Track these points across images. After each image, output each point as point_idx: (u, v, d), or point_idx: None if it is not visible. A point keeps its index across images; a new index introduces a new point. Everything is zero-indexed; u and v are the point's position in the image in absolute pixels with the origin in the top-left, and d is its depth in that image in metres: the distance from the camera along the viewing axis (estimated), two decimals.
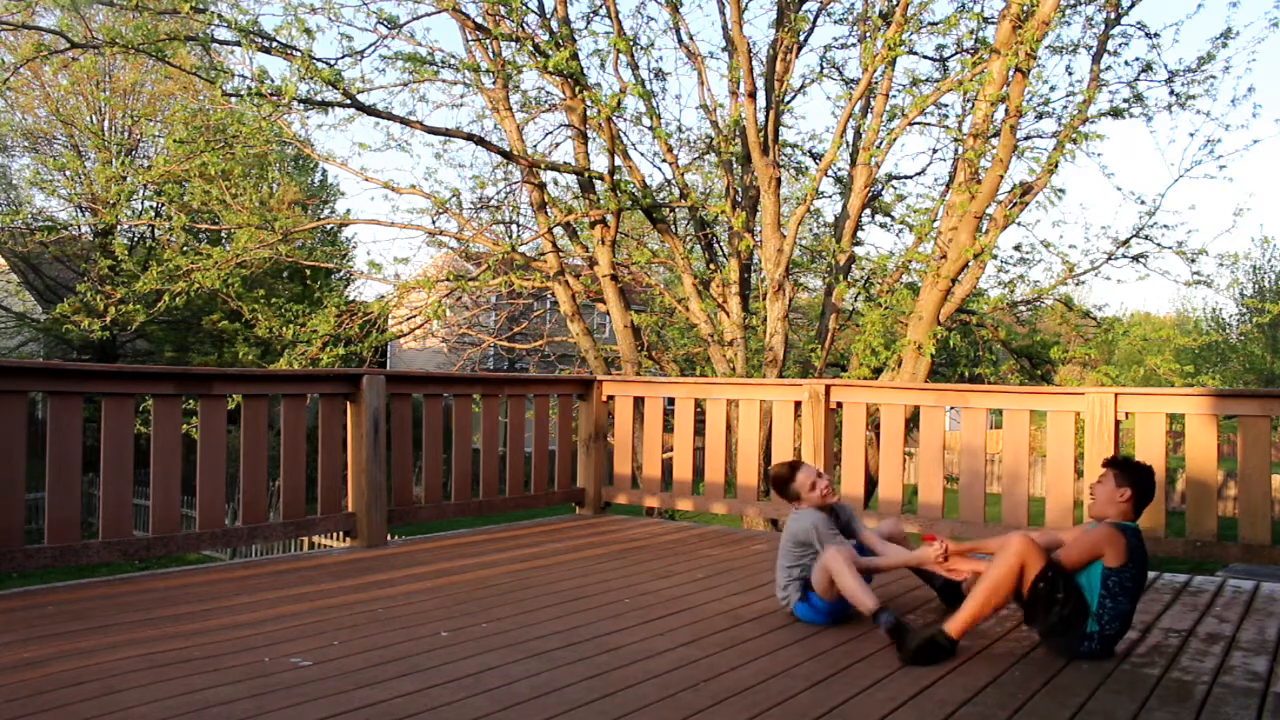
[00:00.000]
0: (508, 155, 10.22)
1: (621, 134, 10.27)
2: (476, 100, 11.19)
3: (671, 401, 7.08)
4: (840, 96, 11.05)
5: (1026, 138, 10.19)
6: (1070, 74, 11.26)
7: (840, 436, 6.49)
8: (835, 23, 19.34)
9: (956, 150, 10.48)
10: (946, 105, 10.66)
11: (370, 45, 9.11)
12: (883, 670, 3.38)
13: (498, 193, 12.44)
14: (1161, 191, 20.38)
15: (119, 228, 21.53)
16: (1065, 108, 10.21)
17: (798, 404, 6.32)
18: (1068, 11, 9.78)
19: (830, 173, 10.65)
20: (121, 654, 3.34)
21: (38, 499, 4.65)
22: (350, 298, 18.66)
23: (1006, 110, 8.20)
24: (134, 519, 5.01)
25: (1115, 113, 9.73)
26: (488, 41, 9.82)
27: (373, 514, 5.58)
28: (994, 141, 8.58)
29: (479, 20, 9.55)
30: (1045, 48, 9.47)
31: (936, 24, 9.83)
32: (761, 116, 9.87)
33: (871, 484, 7.11)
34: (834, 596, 3.92)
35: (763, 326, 10.00)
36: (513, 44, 9.40)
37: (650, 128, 10.03)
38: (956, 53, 10.57)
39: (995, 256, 9.68)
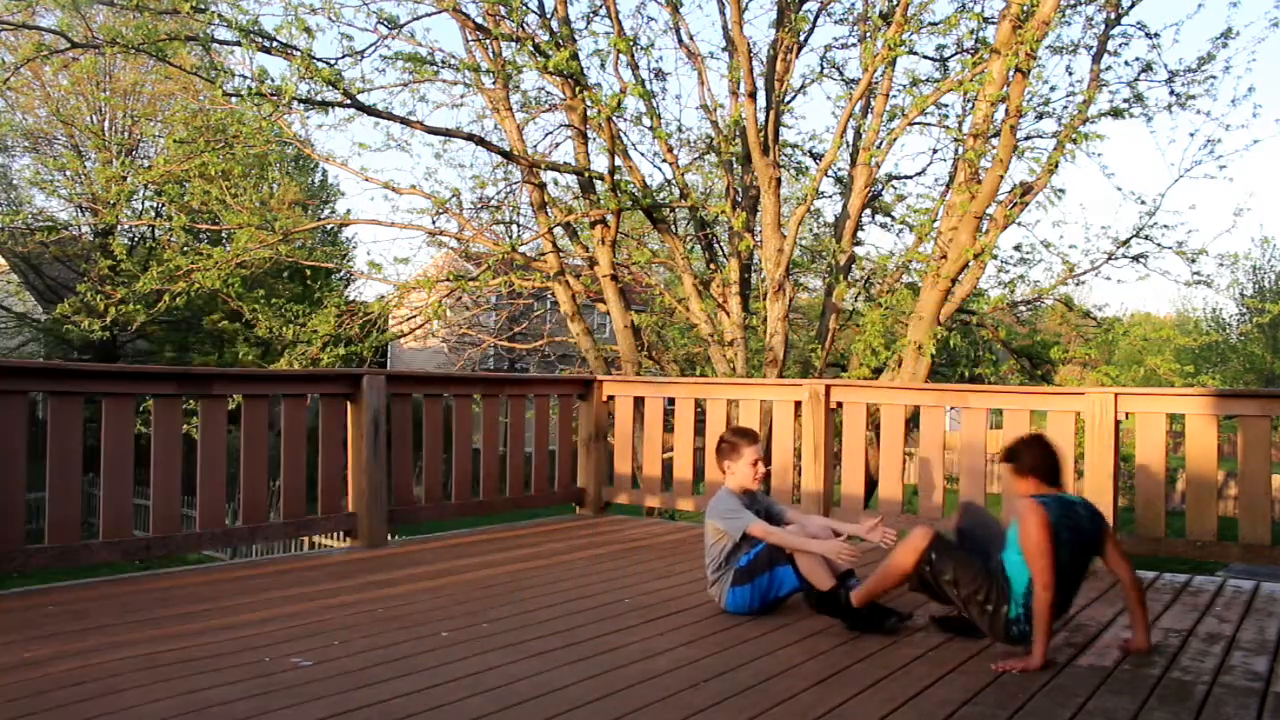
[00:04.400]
0: (508, 155, 10.22)
1: (621, 134, 10.26)
2: (476, 100, 11.19)
3: (672, 401, 7.08)
4: (840, 96, 11.05)
5: (1026, 138, 10.19)
6: (1070, 74, 11.25)
7: (840, 436, 6.49)
8: (835, 23, 19.35)
9: (956, 150, 10.47)
10: (946, 105, 10.66)
11: (370, 45, 9.11)
12: (882, 671, 3.38)
13: (498, 193, 12.44)
14: (1161, 191, 20.38)
15: (119, 228, 21.54)
16: (1065, 108, 10.21)
17: (798, 404, 6.32)
18: (1068, 11, 9.77)
19: (830, 173, 10.65)
20: (121, 654, 3.34)
21: (38, 499, 4.64)
22: (350, 298, 18.65)
23: (1006, 110, 8.20)
24: (134, 519, 5.01)
25: (1115, 113, 9.72)
26: (488, 41, 9.81)
27: (373, 514, 5.58)
28: (994, 141, 8.57)
29: (479, 20, 9.54)
30: (1045, 48, 9.45)
31: (936, 24, 9.82)
32: (761, 116, 9.86)
33: (871, 484, 7.11)
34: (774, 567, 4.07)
35: (763, 326, 10.00)
36: (513, 44, 9.39)
37: (650, 128, 10.03)
38: (956, 53, 10.56)
39: (995, 256, 9.66)
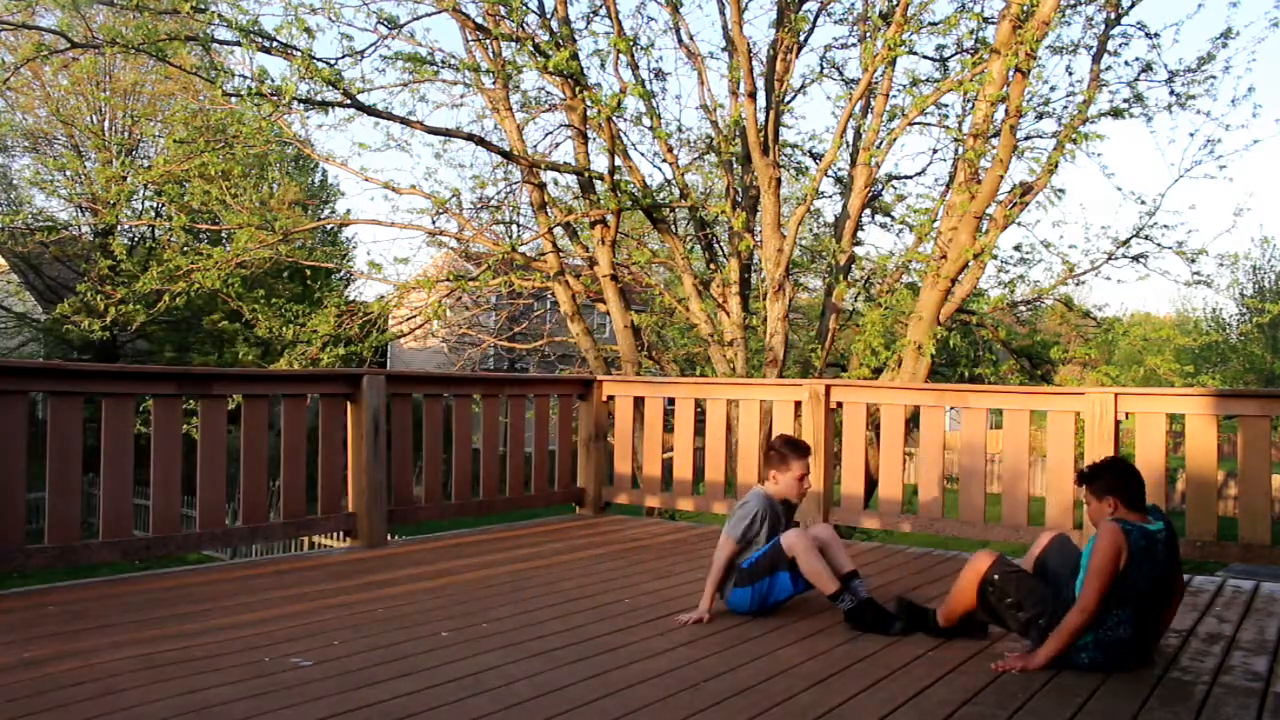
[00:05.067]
0: (508, 155, 10.22)
1: (621, 134, 10.27)
2: (476, 100, 11.20)
3: (671, 401, 7.08)
4: (840, 96, 11.05)
5: (1026, 138, 10.19)
6: (1070, 74, 11.25)
7: (840, 436, 6.49)
8: (835, 23, 19.36)
9: (956, 150, 10.47)
10: (946, 105, 10.66)
11: (370, 45, 9.11)
12: (882, 671, 3.38)
13: (498, 193, 12.45)
14: (1161, 191, 20.41)
15: (119, 228, 21.53)
16: (1065, 108, 10.22)
17: (798, 404, 6.32)
18: (1068, 11, 9.77)
19: (830, 173, 10.65)
20: (122, 654, 3.34)
21: (38, 499, 4.64)
22: (350, 298, 18.68)
23: (1006, 110, 8.20)
24: (135, 519, 5.02)
25: (1115, 113, 9.72)
26: (488, 41, 9.81)
27: (373, 514, 5.58)
28: (994, 141, 8.58)
29: (479, 20, 9.54)
30: (1045, 48, 9.46)
31: (936, 24, 9.82)
32: (761, 116, 9.86)
33: (871, 484, 7.10)
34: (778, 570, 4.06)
35: (763, 326, 10.00)
36: (513, 44, 9.39)
37: (650, 128, 10.03)
38: (956, 53, 10.56)
39: (995, 256, 9.66)
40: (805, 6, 10.23)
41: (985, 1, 10.31)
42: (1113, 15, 9.48)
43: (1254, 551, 5.02)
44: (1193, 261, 10.18)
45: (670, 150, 10.56)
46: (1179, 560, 3.60)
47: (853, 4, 10.87)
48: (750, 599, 4.13)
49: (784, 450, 4.31)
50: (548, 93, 11.05)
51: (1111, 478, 3.56)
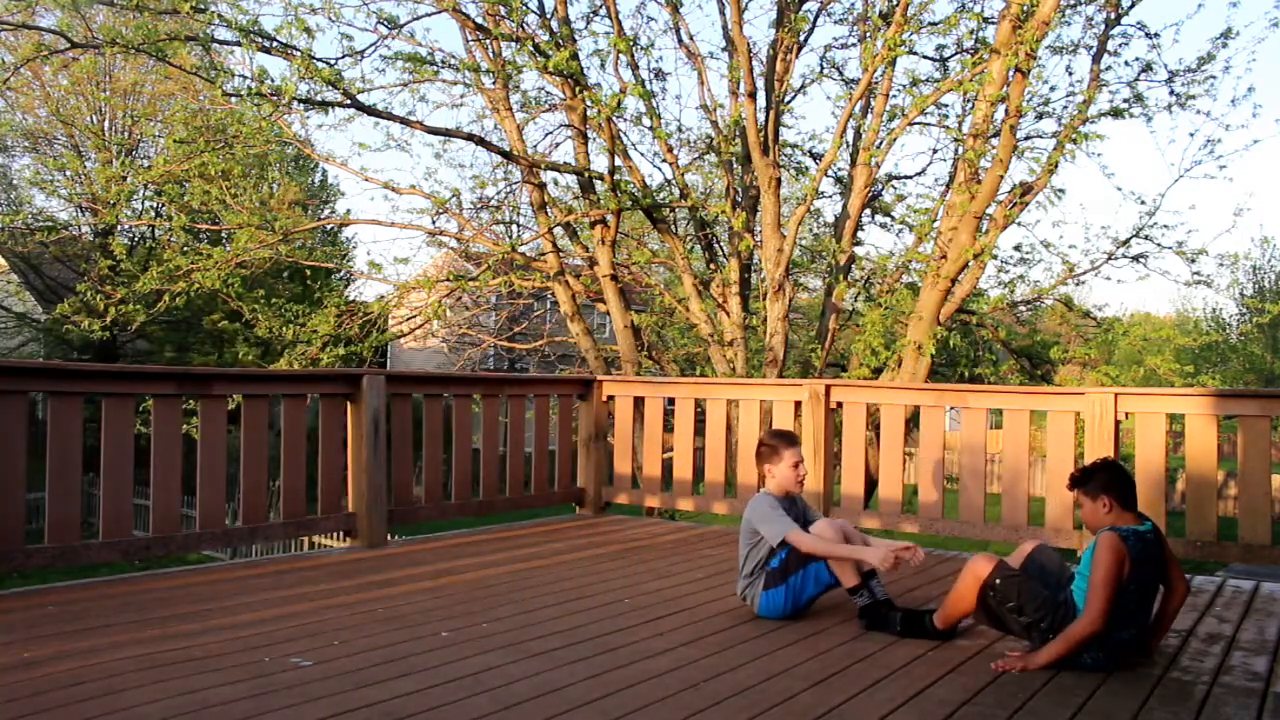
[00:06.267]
0: (508, 155, 10.22)
1: (621, 134, 10.27)
2: (476, 100, 11.21)
3: (671, 401, 7.09)
4: (840, 96, 11.05)
5: (1026, 138, 10.19)
6: (1070, 74, 11.27)
7: (840, 436, 6.49)
8: (835, 23, 19.36)
9: (956, 150, 10.48)
10: (946, 105, 10.67)
11: (370, 45, 9.12)
12: (883, 670, 3.38)
13: (498, 193, 12.45)
14: (1161, 191, 20.43)
15: (119, 228, 21.55)
16: (1065, 108, 10.22)
17: (798, 404, 6.32)
18: (1068, 11, 9.78)
19: (830, 173, 10.65)
20: (121, 654, 3.34)
21: (38, 499, 4.64)
22: (350, 298, 18.67)
23: (1006, 110, 8.20)
24: (134, 519, 5.02)
25: (1115, 113, 9.73)
26: (488, 41, 9.82)
27: (373, 514, 5.58)
28: (994, 141, 8.58)
29: (479, 20, 9.55)
30: (1045, 48, 9.46)
31: (936, 24, 9.83)
32: (761, 116, 9.87)
33: (871, 484, 7.10)
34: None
35: (763, 326, 10.00)
36: (513, 44, 9.40)
37: (650, 128, 10.04)
38: (956, 53, 10.57)
39: (995, 256, 9.66)
40: (805, 6, 10.23)
41: (985, 1, 10.32)
42: (1113, 15, 9.48)
43: (1254, 551, 5.02)
44: (1193, 261, 10.19)
45: (670, 150, 10.56)
46: (1171, 555, 3.62)
47: (853, 4, 10.89)
48: (784, 599, 4.04)
49: (773, 442, 4.31)
50: (548, 93, 11.06)
51: (1106, 477, 3.57)
